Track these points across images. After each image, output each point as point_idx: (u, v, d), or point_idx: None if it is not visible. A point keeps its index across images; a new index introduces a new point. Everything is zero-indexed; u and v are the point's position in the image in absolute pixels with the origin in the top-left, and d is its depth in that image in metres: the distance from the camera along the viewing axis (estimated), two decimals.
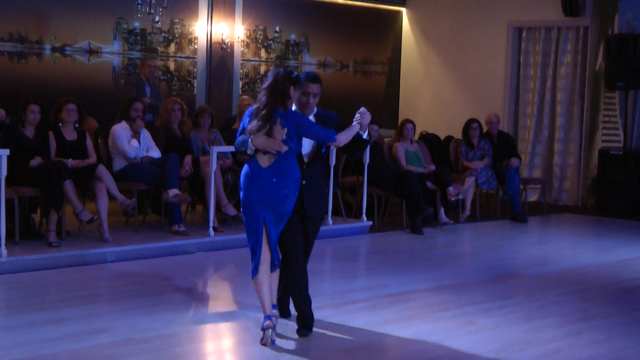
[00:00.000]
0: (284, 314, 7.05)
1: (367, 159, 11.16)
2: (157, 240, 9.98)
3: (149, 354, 6.28)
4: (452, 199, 12.43)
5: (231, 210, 10.70)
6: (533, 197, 14.95)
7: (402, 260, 10.11)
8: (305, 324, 6.74)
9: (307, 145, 6.56)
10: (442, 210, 12.34)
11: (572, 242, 12.03)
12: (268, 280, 6.45)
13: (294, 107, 6.47)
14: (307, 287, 6.75)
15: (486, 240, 11.83)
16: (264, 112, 6.22)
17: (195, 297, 8.42)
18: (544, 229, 12.98)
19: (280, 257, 6.57)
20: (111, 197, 9.89)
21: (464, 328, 7.23)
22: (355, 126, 6.42)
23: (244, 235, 10.22)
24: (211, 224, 10.32)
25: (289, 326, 6.83)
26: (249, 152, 6.28)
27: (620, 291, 8.93)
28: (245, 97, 12.49)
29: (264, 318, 6.37)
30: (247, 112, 6.46)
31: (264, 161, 6.27)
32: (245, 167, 6.37)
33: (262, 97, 6.29)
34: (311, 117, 6.55)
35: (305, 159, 6.59)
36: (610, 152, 14.25)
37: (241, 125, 6.48)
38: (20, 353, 6.20)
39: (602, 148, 14.51)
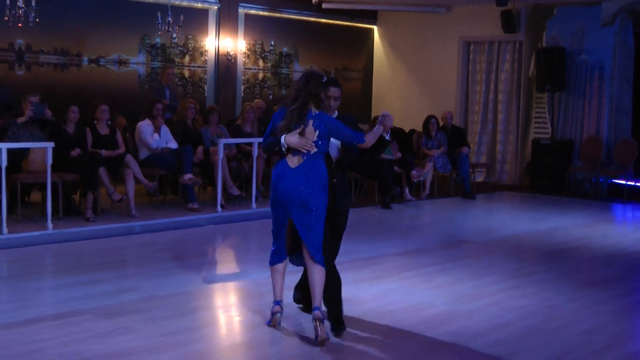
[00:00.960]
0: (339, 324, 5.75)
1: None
2: (175, 216, 9.96)
3: (168, 308, 6.27)
4: (415, 180, 12.48)
5: (235, 191, 10.69)
6: (480, 178, 14.97)
7: (374, 230, 10.12)
8: (332, 325, 5.74)
9: (334, 147, 5.72)
10: (406, 190, 12.37)
11: (511, 214, 12.06)
12: (283, 269, 5.71)
13: None
14: (334, 289, 5.77)
15: (442, 214, 11.84)
16: (299, 112, 5.43)
17: (206, 261, 8.43)
18: (489, 204, 13.00)
19: (323, 256, 5.51)
20: (137, 181, 9.89)
21: (424, 285, 7.24)
22: (379, 128, 5.66)
23: (246, 211, 10.38)
24: (219, 202, 10.30)
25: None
26: (283, 149, 5.46)
27: (549, 253, 8.96)
28: (251, 103, 12.37)
29: (274, 303, 5.74)
30: (275, 114, 5.65)
31: (293, 162, 5.46)
32: (275, 168, 5.59)
33: (297, 98, 5.46)
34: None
35: (334, 160, 5.75)
36: (541, 142, 14.28)
37: (270, 126, 5.65)
38: (64, 308, 6.21)
39: (534, 138, 14.53)
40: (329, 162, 5.68)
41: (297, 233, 5.51)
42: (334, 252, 5.85)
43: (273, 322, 5.72)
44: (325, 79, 5.58)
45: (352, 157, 5.82)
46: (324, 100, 5.60)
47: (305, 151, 5.42)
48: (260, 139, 10.92)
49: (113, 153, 9.87)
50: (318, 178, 5.45)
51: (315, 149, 5.44)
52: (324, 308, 5.61)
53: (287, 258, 5.73)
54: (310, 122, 5.43)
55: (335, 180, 5.73)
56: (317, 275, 5.48)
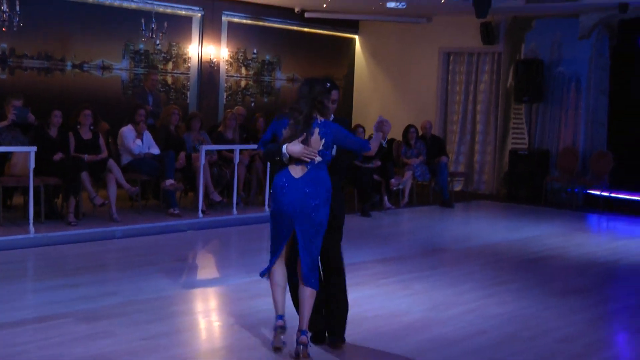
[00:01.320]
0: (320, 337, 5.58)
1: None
2: (156, 221, 9.94)
3: (149, 312, 6.25)
4: (394, 188, 12.49)
5: (216, 197, 10.68)
6: (458, 187, 15.01)
7: (354, 237, 10.10)
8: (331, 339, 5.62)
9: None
10: (385, 198, 12.38)
11: (489, 223, 12.09)
12: (284, 283, 5.31)
13: None
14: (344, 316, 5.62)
15: (420, 222, 11.88)
16: (305, 121, 5.09)
17: (187, 267, 8.41)
18: (467, 212, 13.06)
19: (320, 275, 5.35)
20: (119, 186, 9.87)
21: (402, 292, 7.26)
22: (379, 135, 5.48)
23: (227, 217, 10.36)
24: (200, 207, 10.29)
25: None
26: (284, 159, 5.15)
27: (525, 262, 9.01)
28: (232, 110, 12.39)
29: (276, 317, 5.28)
30: (276, 122, 5.29)
31: (297, 172, 5.14)
32: (277, 178, 5.22)
33: (302, 106, 5.13)
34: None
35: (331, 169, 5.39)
36: (518, 152, 14.35)
37: (268, 133, 5.32)
38: (44, 311, 6.19)
39: (512, 148, 14.60)
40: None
41: (296, 246, 5.19)
42: (338, 256, 5.50)
43: (276, 340, 5.26)
44: (328, 84, 5.26)
45: (351, 164, 5.57)
46: (328, 106, 5.26)
47: (308, 160, 5.11)
48: (242, 146, 11.06)
49: (95, 157, 9.84)
50: (324, 189, 5.16)
51: (319, 158, 5.15)
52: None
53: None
54: (317, 130, 5.12)
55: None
56: (308, 294, 5.16)
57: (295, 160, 5.12)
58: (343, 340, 5.59)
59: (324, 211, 5.16)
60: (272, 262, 5.28)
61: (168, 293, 6.91)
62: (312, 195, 5.11)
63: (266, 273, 5.34)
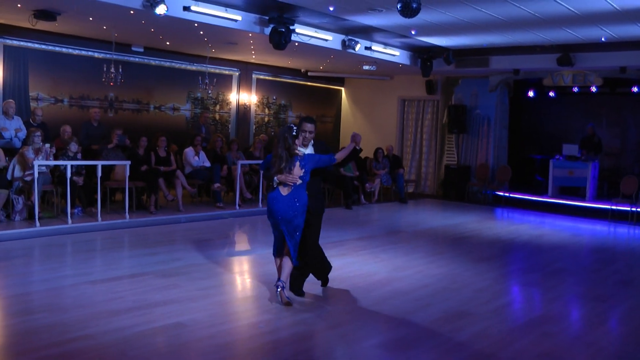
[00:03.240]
0: (300, 293, 5.54)
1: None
2: (208, 211, 9.93)
3: (203, 272, 6.26)
4: (368, 190, 12.51)
5: (248, 195, 10.68)
6: (411, 189, 15.00)
7: (340, 223, 10.13)
8: (326, 279, 5.84)
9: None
10: (362, 196, 12.39)
11: (431, 214, 12.09)
12: (281, 261, 5.29)
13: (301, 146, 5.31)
14: (326, 272, 5.77)
15: (385, 213, 11.88)
16: (286, 160, 5.11)
17: (228, 242, 8.41)
18: (416, 206, 13.06)
19: (297, 257, 5.28)
20: (183, 187, 9.85)
21: (373, 259, 7.27)
22: (351, 144, 5.55)
23: (255, 209, 10.33)
24: (237, 202, 10.29)
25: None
26: (274, 185, 5.18)
27: (454, 239, 9.00)
28: (259, 137, 12.48)
29: (278, 279, 5.28)
30: (268, 157, 5.31)
31: (284, 191, 5.13)
32: (272, 194, 5.18)
33: (280, 152, 5.12)
34: (310, 146, 5.39)
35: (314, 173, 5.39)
36: (450, 166, 14.37)
37: (267, 161, 5.29)
38: (135, 270, 6.21)
39: (446, 163, 14.60)
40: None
41: (284, 238, 5.25)
42: (315, 243, 5.47)
43: (282, 298, 5.22)
44: (294, 129, 5.16)
45: (329, 171, 5.60)
46: (301, 134, 5.25)
47: (291, 184, 5.13)
48: None
49: (168, 169, 9.86)
50: (301, 203, 5.16)
51: (300, 182, 5.15)
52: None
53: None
54: (297, 163, 5.14)
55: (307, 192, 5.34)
56: (288, 265, 5.25)
57: (284, 183, 5.16)
58: (325, 280, 5.81)
59: (301, 219, 5.17)
60: (274, 247, 5.38)
61: (215, 259, 6.93)
62: (292, 207, 5.13)
63: (275, 255, 5.42)
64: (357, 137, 5.94)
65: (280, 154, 5.14)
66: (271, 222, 5.26)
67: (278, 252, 5.35)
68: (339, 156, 5.47)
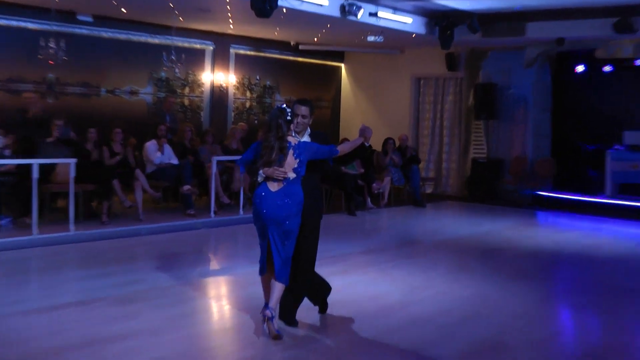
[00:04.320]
0: (292, 322, 5.42)
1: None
2: (175, 220, 9.91)
3: (170, 297, 6.23)
4: (375, 191, 12.49)
5: (225, 200, 10.65)
6: (429, 189, 15.01)
7: (341, 233, 10.11)
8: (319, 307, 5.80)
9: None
10: (368, 199, 12.37)
11: (454, 219, 12.11)
12: (269, 282, 5.19)
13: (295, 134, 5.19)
14: (324, 295, 5.76)
15: (397, 219, 11.87)
16: (279, 147, 5.00)
17: (201, 258, 8.39)
18: (436, 211, 13.05)
19: (287, 272, 5.14)
20: (144, 191, 9.84)
21: (382, 278, 7.25)
22: (359, 139, 5.57)
23: (235, 216, 10.32)
24: (212, 208, 10.25)
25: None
26: (259, 180, 5.14)
27: (484, 251, 9.00)
28: (236, 125, 12.45)
29: (264, 306, 5.16)
30: (256, 144, 5.22)
31: (274, 186, 5.04)
32: (258, 190, 5.10)
33: (272, 142, 5.01)
34: (306, 136, 5.31)
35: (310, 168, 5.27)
36: (478, 160, 14.38)
37: (250, 153, 5.22)
38: (84, 296, 6.18)
39: (473, 157, 14.62)
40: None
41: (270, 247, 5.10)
42: (312, 258, 5.40)
43: (271, 330, 5.07)
44: (289, 112, 5.05)
45: (327, 169, 5.48)
46: (293, 119, 5.11)
47: (281, 178, 5.02)
48: None
49: (115, 160, 9.75)
50: (295, 201, 5.06)
51: (294, 175, 5.06)
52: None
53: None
54: (291, 152, 5.03)
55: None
56: (278, 287, 5.10)
57: (272, 177, 5.06)
58: (324, 305, 5.77)
59: (295, 220, 5.07)
60: (261, 262, 5.23)
61: (185, 280, 6.89)
62: (283, 207, 5.02)
63: (262, 273, 5.26)
64: (368, 131, 5.74)
65: (271, 144, 5.02)
66: (258, 227, 5.18)
67: (265, 269, 5.23)
68: (342, 149, 5.44)
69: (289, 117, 5.06)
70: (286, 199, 5.04)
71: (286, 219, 5.04)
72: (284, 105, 5.09)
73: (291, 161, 5.05)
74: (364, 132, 5.69)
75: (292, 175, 5.07)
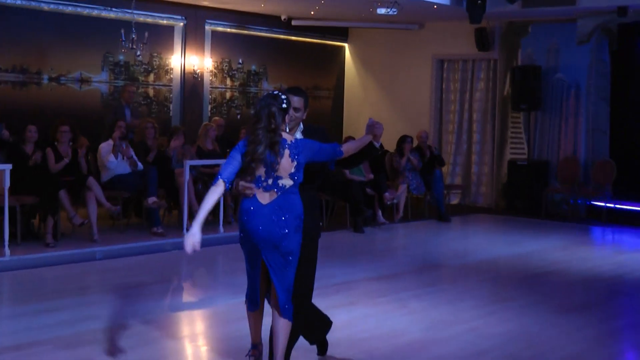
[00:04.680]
0: None
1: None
2: (139, 240, 9.89)
3: (133, 337, 6.20)
4: (388, 202, 12.48)
5: None
6: (455, 200, 15.02)
7: (346, 254, 10.10)
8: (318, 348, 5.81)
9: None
10: (379, 212, 12.36)
11: (487, 237, 12.09)
12: (261, 311, 5.18)
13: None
14: (324, 331, 5.73)
15: (416, 237, 11.86)
16: (263, 151, 4.74)
17: (171, 288, 8.37)
18: (464, 226, 13.05)
19: (292, 306, 5.00)
20: (99, 204, 9.81)
21: (398, 310, 7.22)
22: (368, 137, 5.32)
23: (214, 235, 10.29)
24: (185, 225, 10.23)
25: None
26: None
27: (527, 278, 8.99)
28: (210, 121, 12.50)
29: (251, 346, 5.23)
30: (241, 143, 4.88)
31: (264, 197, 4.82)
32: (244, 203, 4.89)
33: (261, 136, 4.75)
34: (299, 134, 5.17)
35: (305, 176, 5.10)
36: (517, 162, 14.38)
37: (235, 163, 4.84)
38: (22, 338, 6.14)
39: (510, 159, 14.63)
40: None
41: (269, 274, 4.94)
42: (308, 286, 5.31)
43: None
44: (284, 99, 4.85)
45: (327, 175, 5.48)
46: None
47: (250, 195, 4.83)
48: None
49: (64, 163, 9.74)
50: (293, 216, 4.84)
51: (290, 182, 4.83)
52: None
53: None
54: (287, 152, 4.80)
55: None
56: (283, 327, 4.95)
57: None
58: (323, 345, 5.78)
59: (295, 239, 4.87)
60: (249, 294, 5.10)
61: (152, 316, 6.85)
62: (279, 223, 4.81)
63: (252, 309, 5.17)
64: (377, 127, 5.45)
65: (258, 138, 4.77)
66: (246, 250, 5.02)
67: (253, 302, 5.11)
68: (347, 148, 5.26)
69: (284, 105, 4.84)
70: (282, 213, 4.83)
71: (283, 239, 4.83)
72: (279, 92, 4.90)
73: (287, 164, 4.81)
74: (373, 128, 5.46)
75: (288, 182, 4.84)
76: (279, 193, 4.84)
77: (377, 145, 5.48)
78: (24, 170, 9.30)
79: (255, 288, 5.08)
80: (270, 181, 4.82)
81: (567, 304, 7.75)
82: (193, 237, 4.88)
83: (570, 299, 8.03)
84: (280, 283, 4.90)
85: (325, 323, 5.72)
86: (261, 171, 4.82)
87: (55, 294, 7.59)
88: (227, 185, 4.82)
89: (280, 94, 4.87)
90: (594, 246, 11.79)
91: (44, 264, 8.74)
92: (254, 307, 5.14)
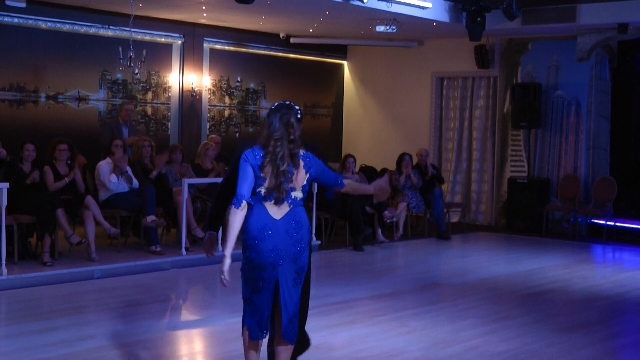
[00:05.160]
0: None
1: (315, 189, 11.05)
2: (137, 259, 9.88)
3: (130, 357, 6.19)
4: (388, 220, 12.48)
5: (199, 233, 10.62)
6: (455, 218, 15.01)
7: (346, 273, 10.10)
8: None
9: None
10: (379, 231, 12.36)
11: (488, 255, 12.09)
12: (258, 347, 4.87)
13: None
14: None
15: (416, 255, 11.86)
16: (284, 166, 4.61)
17: (170, 307, 8.36)
18: (464, 244, 13.04)
19: (297, 327, 4.86)
20: (97, 223, 9.79)
21: (398, 330, 7.22)
22: (369, 189, 5.31)
23: (215, 253, 10.25)
24: (183, 244, 10.24)
25: None
26: (252, 201, 4.68)
27: (527, 296, 8.99)
28: (207, 139, 12.56)
29: None
30: (243, 159, 4.68)
31: (276, 212, 4.66)
32: (254, 220, 4.65)
33: (281, 150, 4.60)
34: None
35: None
36: (517, 180, 14.38)
37: (244, 179, 4.65)
38: (19, 358, 6.12)
39: (511, 177, 14.63)
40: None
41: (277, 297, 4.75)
42: (307, 302, 5.36)
43: None
44: (299, 110, 4.79)
45: (328, 199, 5.42)
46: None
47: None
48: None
49: (64, 182, 9.75)
50: (305, 229, 4.76)
51: (301, 195, 4.76)
52: None
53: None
54: (302, 163, 4.72)
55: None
56: (285, 349, 4.81)
57: (277, 199, 4.68)
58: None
59: (306, 254, 4.77)
60: (255, 321, 4.75)
61: (150, 336, 6.85)
62: (296, 238, 4.70)
63: (257, 338, 4.81)
64: (385, 191, 5.38)
65: (277, 150, 4.59)
66: (254, 277, 4.71)
67: (261, 328, 4.78)
68: (349, 184, 5.19)
69: (299, 115, 4.75)
70: (297, 227, 4.71)
71: (300, 253, 4.72)
72: (292, 103, 4.79)
73: (302, 176, 4.73)
74: (382, 190, 5.35)
75: (299, 195, 4.74)
76: (292, 206, 4.71)
77: (374, 202, 5.43)
78: (21, 189, 9.31)
79: (265, 313, 4.75)
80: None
81: (568, 322, 7.75)
82: (225, 267, 4.63)
83: (571, 317, 8.02)
84: (289, 302, 4.72)
85: (304, 343, 5.63)
86: (271, 183, 4.65)
87: (53, 313, 7.59)
88: (240, 205, 4.62)
89: (293, 104, 4.78)
90: (594, 264, 11.79)
91: (41, 283, 8.74)
92: (260, 335, 4.79)
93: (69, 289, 8.63)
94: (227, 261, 4.61)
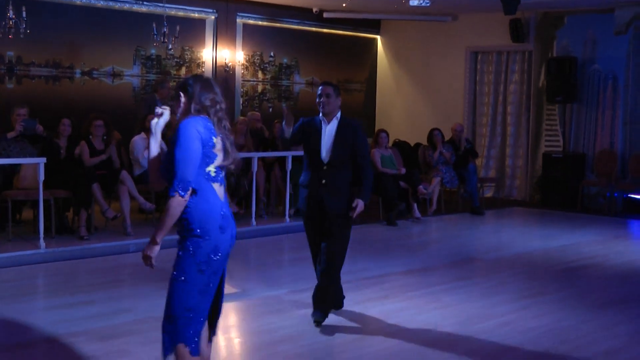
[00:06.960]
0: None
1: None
2: (171, 234, 9.89)
3: None
4: (421, 196, 12.46)
5: (234, 208, 10.66)
6: (489, 193, 14.98)
7: (379, 248, 10.12)
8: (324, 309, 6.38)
9: (328, 140, 6.22)
10: (414, 206, 12.34)
11: (522, 231, 12.04)
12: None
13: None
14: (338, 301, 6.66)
15: (450, 231, 11.84)
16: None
17: None
18: (498, 220, 12.99)
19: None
20: (132, 198, 9.88)
21: (431, 304, 7.23)
22: (361, 204, 6.20)
23: (246, 228, 10.35)
24: None
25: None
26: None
27: (561, 272, 8.95)
28: (245, 116, 12.57)
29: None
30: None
31: (222, 193, 4.50)
32: (210, 205, 4.30)
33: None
34: (334, 121, 6.26)
35: (325, 161, 6.24)
36: (552, 155, 14.30)
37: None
38: (58, 330, 6.19)
39: (545, 152, 14.55)
40: (319, 163, 6.18)
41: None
42: (335, 262, 6.23)
43: None
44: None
45: (347, 167, 6.23)
46: (317, 99, 6.28)
47: None
48: (261, 154, 11.06)
49: (101, 158, 9.84)
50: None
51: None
52: None
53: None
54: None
55: (324, 181, 6.17)
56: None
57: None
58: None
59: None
60: (187, 335, 4.32)
61: None
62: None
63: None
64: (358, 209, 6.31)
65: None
66: (210, 275, 4.38)
67: (199, 342, 4.44)
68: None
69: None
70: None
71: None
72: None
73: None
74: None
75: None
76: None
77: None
78: (57, 164, 9.42)
79: (205, 317, 4.43)
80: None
81: (602, 298, 7.71)
82: (154, 253, 4.42)
83: (607, 293, 7.98)
84: (223, 293, 4.60)
85: (338, 302, 6.59)
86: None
87: (90, 286, 7.68)
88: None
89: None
90: (631, 240, 11.69)
91: (78, 256, 8.86)
92: (199, 346, 4.39)
93: (105, 263, 8.74)
94: (158, 248, 4.33)
